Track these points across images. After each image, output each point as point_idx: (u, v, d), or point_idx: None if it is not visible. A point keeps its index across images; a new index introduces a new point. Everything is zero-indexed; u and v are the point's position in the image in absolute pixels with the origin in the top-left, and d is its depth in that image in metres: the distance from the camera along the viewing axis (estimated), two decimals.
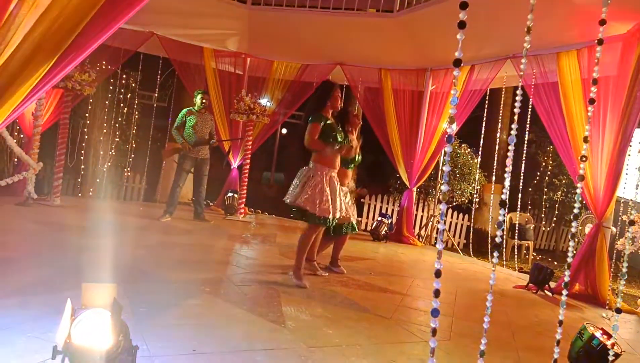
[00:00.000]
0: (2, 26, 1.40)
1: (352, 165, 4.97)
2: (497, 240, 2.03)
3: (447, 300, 4.52)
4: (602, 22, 2.25)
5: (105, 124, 8.70)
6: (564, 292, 2.21)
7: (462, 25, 1.75)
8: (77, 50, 1.50)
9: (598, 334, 3.15)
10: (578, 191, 2.18)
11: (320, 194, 4.21)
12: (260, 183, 13.83)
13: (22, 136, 7.24)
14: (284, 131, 14.45)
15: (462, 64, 1.77)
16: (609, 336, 3.12)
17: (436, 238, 8.76)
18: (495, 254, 2.03)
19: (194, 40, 8.20)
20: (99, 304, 2.08)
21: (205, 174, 7.10)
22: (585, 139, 2.20)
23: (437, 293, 1.76)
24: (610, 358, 2.39)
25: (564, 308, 2.17)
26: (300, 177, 4.34)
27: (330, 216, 4.23)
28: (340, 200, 4.36)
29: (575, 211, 2.17)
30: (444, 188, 1.76)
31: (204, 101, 6.97)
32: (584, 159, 2.23)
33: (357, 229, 5.08)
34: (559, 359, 2.28)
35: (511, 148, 2.02)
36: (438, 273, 1.77)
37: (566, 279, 2.29)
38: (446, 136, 1.72)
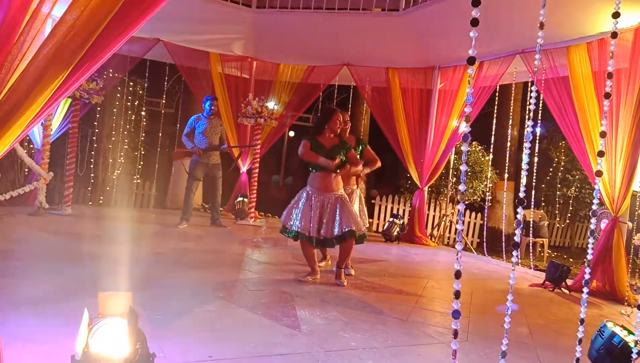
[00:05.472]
0: (17, 39, 1.41)
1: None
2: (516, 239, 2.00)
3: (462, 300, 4.42)
4: (616, 15, 2.22)
5: (113, 132, 8.75)
6: (585, 290, 2.17)
7: (475, 22, 1.72)
8: (90, 60, 1.50)
9: (619, 331, 3.09)
10: (596, 187, 2.15)
11: (293, 206, 4.48)
12: (270, 186, 13.83)
13: (32, 146, 7.29)
14: (292, 133, 14.43)
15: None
16: (630, 333, 3.06)
17: (449, 238, 8.73)
18: (515, 253, 2.00)
19: (199, 45, 8.21)
20: (116, 312, 2.08)
21: (219, 178, 7.11)
22: (603, 134, 2.17)
23: (457, 295, 1.74)
24: (634, 356, 2.34)
25: (585, 306, 2.13)
26: None
27: (289, 225, 4.44)
28: (319, 216, 4.41)
29: (594, 207, 2.14)
30: (462, 188, 1.74)
31: (212, 107, 6.97)
32: (602, 154, 2.20)
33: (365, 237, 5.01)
34: (581, 358, 2.24)
35: (527, 145, 1.99)
36: (458, 274, 1.75)
37: (586, 276, 2.25)
38: (462, 135, 1.69)
